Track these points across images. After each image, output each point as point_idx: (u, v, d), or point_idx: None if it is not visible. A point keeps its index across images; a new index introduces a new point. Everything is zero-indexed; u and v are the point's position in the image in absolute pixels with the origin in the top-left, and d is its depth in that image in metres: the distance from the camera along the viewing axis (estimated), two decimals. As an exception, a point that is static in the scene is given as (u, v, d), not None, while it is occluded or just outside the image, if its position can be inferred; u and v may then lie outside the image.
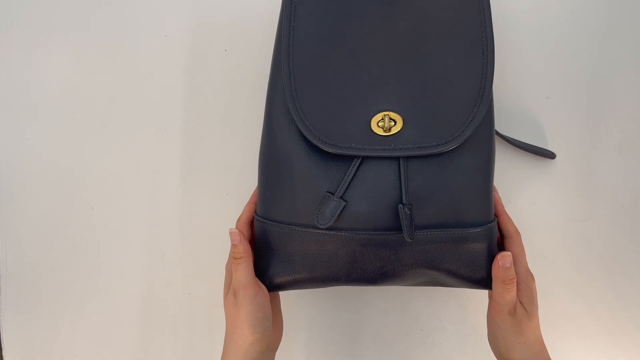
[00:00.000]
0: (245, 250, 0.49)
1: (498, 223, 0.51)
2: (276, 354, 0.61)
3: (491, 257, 0.49)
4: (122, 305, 0.64)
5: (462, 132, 0.46)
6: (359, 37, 0.49)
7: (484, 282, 0.50)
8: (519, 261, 0.51)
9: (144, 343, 0.65)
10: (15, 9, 0.63)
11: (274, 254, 0.49)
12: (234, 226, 0.58)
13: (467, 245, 0.48)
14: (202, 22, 0.63)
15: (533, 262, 0.62)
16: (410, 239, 0.45)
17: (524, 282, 0.50)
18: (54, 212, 0.64)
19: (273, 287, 0.50)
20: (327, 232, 0.47)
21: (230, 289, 0.50)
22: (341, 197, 0.46)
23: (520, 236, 0.52)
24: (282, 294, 0.63)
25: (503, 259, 0.47)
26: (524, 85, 0.61)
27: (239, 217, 0.53)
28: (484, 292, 0.62)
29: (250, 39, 0.62)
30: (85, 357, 0.65)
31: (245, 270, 0.49)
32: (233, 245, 0.49)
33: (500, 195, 0.61)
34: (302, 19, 0.49)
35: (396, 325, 0.63)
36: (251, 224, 0.53)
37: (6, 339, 0.66)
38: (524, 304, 0.50)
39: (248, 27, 0.62)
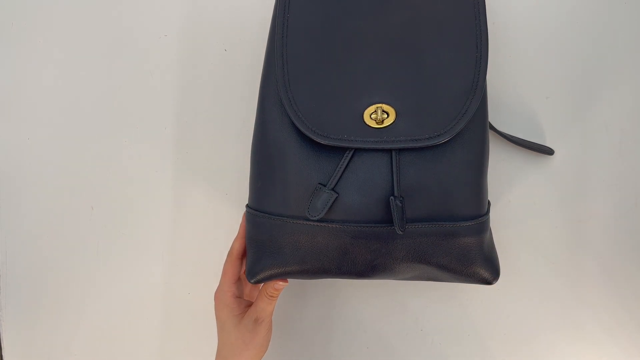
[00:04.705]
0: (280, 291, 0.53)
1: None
2: (275, 353, 0.61)
3: (482, 252, 0.49)
4: (122, 306, 0.64)
5: (455, 125, 0.46)
6: (353, 29, 0.49)
7: (475, 276, 0.50)
8: None
9: (143, 343, 0.65)
10: (15, 9, 0.63)
11: (264, 245, 0.49)
12: (232, 226, 0.58)
13: (458, 239, 0.48)
14: (202, 22, 0.63)
15: (533, 262, 0.62)
16: (401, 231, 0.45)
17: None
18: (54, 212, 0.64)
19: (263, 279, 0.51)
20: (318, 224, 0.47)
21: (248, 315, 0.53)
22: (333, 189, 0.47)
23: None
24: (283, 294, 0.63)
25: None
26: (524, 85, 0.61)
27: (230, 253, 0.54)
28: (484, 292, 0.62)
29: (250, 39, 0.62)
30: (85, 357, 0.65)
31: (274, 306, 0.53)
32: (276, 290, 0.52)
33: (498, 194, 0.61)
34: (296, 10, 0.50)
35: (396, 325, 0.63)
36: (242, 257, 0.54)
37: (6, 339, 0.66)
38: None
39: (248, 26, 0.62)
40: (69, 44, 0.63)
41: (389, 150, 0.47)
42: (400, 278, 0.51)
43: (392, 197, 0.46)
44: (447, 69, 0.48)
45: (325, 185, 0.47)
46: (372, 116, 0.46)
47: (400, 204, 0.45)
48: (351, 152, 0.47)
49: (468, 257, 0.48)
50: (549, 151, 0.60)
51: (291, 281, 0.59)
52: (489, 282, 0.51)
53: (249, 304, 0.55)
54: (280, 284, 0.51)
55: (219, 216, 0.63)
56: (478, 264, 0.49)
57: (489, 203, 0.52)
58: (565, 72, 0.61)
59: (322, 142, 0.46)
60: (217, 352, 0.54)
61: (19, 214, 0.65)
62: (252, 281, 0.51)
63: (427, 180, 0.47)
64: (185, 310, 0.64)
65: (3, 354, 0.66)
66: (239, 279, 0.55)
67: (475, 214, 0.49)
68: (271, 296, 0.52)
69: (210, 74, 0.63)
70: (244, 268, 0.55)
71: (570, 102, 0.61)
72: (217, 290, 0.54)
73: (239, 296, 0.54)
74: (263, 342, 0.53)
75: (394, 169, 0.46)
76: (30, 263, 0.65)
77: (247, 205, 0.52)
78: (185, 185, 0.63)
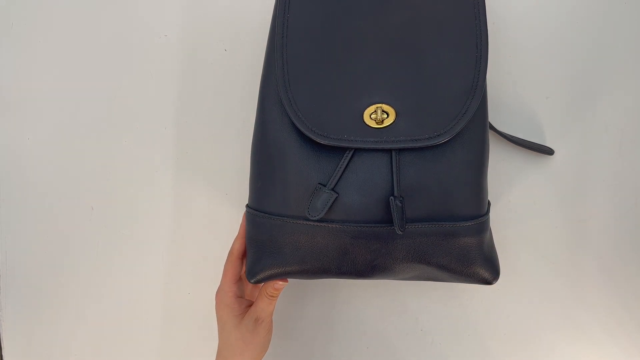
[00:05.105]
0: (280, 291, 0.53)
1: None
2: (275, 353, 0.61)
3: (482, 252, 0.49)
4: (122, 306, 0.64)
5: (455, 125, 0.46)
6: (353, 30, 0.49)
7: (475, 276, 0.50)
8: None
9: (143, 343, 0.65)
10: (15, 9, 0.63)
11: (264, 246, 0.49)
12: (232, 226, 0.58)
13: (458, 239, 0.48)
14: (202, 22, 0.63)
15: (533, 262, 0.62)
16: (401, 231, 0.45)
17: None
18: (54, 212, 0.64)
19: (263, 279, 0.51)
20: (318, 224, 0.47)
21: (249, 315, 0.53)
22: (332, 189, 0.46)
23: None
24: (282, 294, 0.63)
25: None
26: (524, 86, 0.61)
27: (231, 253, 0.54)
28: (484, 292, 0.62)
29: (250, 39, 0.62)
30: (85, 357, 0.65)
31: (274, 306, 0.53)
32: (276, 289, 0.52)
33: (498, 194, 0.61)
34: (296, 10, 0.50)
35: (396, 325, 0.63)
36: (243, 257, 0.54)
37: (6, 339, 0.66)
38: None
39: (248, 27, 0.62)
40: (69, 44, 0.63)
41: (389, 150, 0.47)
42: (400, 278, 0.51)
43: (392, 197, 0.46)
44: (447, 69, 0.48)
45: (325, 185, 0.47)
46: (372, 116, 0.46)
47: (400, 204, 0.45)
48: (351, 152, 0.47)
49: (468, 257, 0.48)
50: (549, 151, 0.60)
51: (291, 281, 0.59)
52: (489, 282, 0.51)
53: (250, 304, 0.55)
54: (280, 283, 0.51)
55: (219, 216, 0.63)
56: (478, 264, 0.49)
57: (489, 203, 0.52)
58: (565, 72, 0.61)
59: (322, 142, 0.46)
60: (217, 353, 0.54)
61: (19, 214, 0.65)
62: (252, 281, 0.51)
63: (427, 180, 0.47)
64: (185, 310, 0.64)
65: (3, 354, 0.66)
66: (239, 279, 0.55)
67: (475, 214, 0.48)
68: (271, 296, 0.52)
69: (210, 74, 0.63)
70: (244, 268, 0.55)
71: (570, 102, 0.61)
72: (217, 290, 0.54)
73: (240, 296, 0.54)
74: (264, 342, 0.53)
75: (394, 169, 0.46)
76: (30, 263, 0.65)
77: (247, 205, 0.52)
78: (185, 185, 0.63)
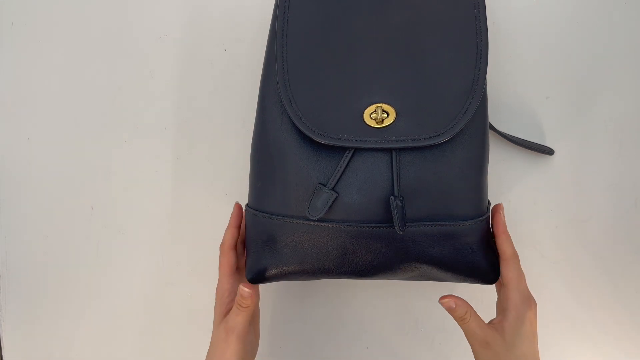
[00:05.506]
0: (253, 301, 0.49)
1: (496, 243, 0.51)
2: (275, 353, 0.61)
3: (482, 252, 0.49)
4: (122, 306, 0.65)
5: (455, 125, 0.46)
6: (353, 29, 0.49)
7: (475, 276, 0.50)
8: (513, 287, 0.49)
9: (143, 343, 0.65)
10: (15, 9, 0.63)
11: (264, 246, 0.49)
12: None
13: (458, 239, 0.48)
14: (202, 22, 0.63)
15: (533, 262, 0.62)
16: (401, 231, 0.45)
17: (515, 310, 0.48)
18: (54, 212, 0.64)
19: (263, 280, 0.50)
20: (318, 223, 0.47)
21: (223, 321, 0.51)
22: (333, 189, 0.46)
23: (517, 258, 0.50)
24: (282, 295, 0.63)
25: (448, 303, 0.48)
26: (524, 85, 0.61)
27: (222, 244, 0.53)
28: (484, 291, 0.62)
29: (250, 39, 0.62)
30: (85, 358, 0.65)
31: (246, 317, 0.50)
32: (243, 297, 0.49)
33: (498, 194, 0.61)
34: (296, 10, 0.50)
35: (396, 325, 0.63)
36: (235, 248, 0.53)
37: (6, 339, 0.66)
38: (507, 334, 0.47)
39: (248, 27, 0.62)
40: (69, 44, 0.63)
41: (389, 150, 0.47)
42: (401, 278, 0.51)
43: (392, 197, 0.46)
44: (447, 68, 0.48)
45: (325, 185, 0.47)
46: (372, 116, 0.46)
47: (400, 204, 0.45)
48: (351, 152, 0.47)
49: (468, 257, 0.48)
50: (549, 151, 0.60)
51: (291, 282, 0.59)
52: (489, 282, 0.51)
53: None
54: (246, 290, 0.48)
55: (219, 216, 0.63)
56: (478, 264, 0.49)
57: (489, 203, 0.52)
58: (565, 72, 0.61)
59: (322, 141, 0.46)
60: (209, 345, 0.53)
61: (19, 214, 0.65)
62: (252, 281, 0.51)
63: (427, 179, 0.47)
64: (185, 310, 0.64)
65: (3, 354, 0.66)
66: (236, 272, 0.53)
67: (475, 213, 0.48)
68: (239, 305, 0.49)
69: (210, 74, 0.63)
70: (242, 263, 0.54)
71: (570, 102, 0.61)
72: (217, 285, 0.54)
73: (235, 292, 0.52)
74: (237, 357, 0.50)
75: (394, 169, 0.46)
76: (30, 263, 0.65)
77: (247, 205, 0.52)
78: (185, 186, 0.63)
